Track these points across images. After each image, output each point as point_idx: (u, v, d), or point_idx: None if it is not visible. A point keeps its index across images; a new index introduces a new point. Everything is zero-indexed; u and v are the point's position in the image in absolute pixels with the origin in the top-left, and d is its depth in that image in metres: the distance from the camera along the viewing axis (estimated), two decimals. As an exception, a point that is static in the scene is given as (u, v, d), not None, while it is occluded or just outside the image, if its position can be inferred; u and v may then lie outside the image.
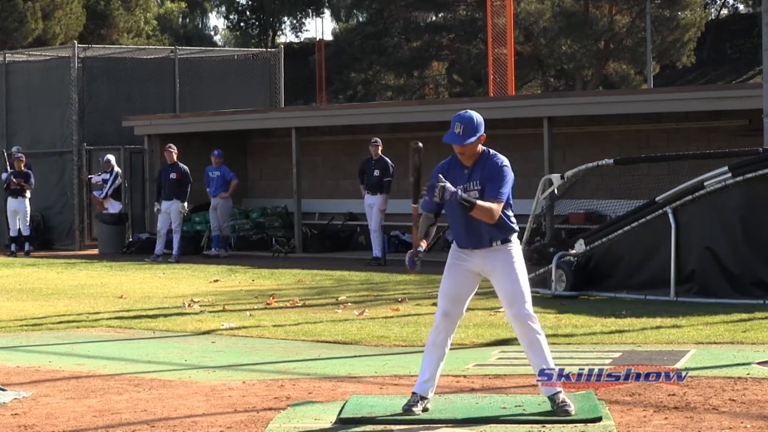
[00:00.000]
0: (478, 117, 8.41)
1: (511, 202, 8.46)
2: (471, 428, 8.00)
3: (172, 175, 24.59)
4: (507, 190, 8.37)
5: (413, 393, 8.45)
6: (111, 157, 27.80)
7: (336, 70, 60.33)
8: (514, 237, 8.45)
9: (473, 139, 8.35)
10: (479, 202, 8.27)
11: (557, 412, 8.17)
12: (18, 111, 29.95)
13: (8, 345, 12.86)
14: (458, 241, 8.50)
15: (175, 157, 24.77)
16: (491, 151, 8.48)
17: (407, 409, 8.35)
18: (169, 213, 24.60)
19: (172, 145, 25.31)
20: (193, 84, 30.18)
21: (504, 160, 8.43)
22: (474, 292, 8.60)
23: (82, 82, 28.99)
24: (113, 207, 27.79)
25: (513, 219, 8.45)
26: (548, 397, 8.29)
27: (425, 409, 8.39)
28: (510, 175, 8.40)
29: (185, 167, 24.66)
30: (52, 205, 29.15)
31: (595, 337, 12.42)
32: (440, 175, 8.36)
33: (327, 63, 58.49)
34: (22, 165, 27.02)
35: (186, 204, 24.84)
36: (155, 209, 25.14)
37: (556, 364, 8.45)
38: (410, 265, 8.47)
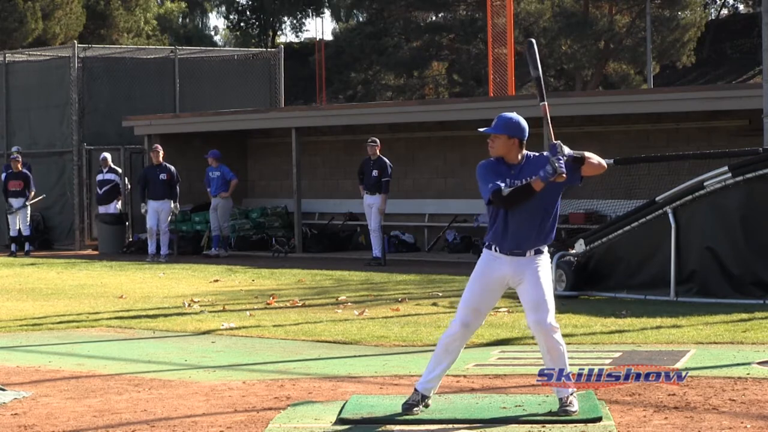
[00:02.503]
0: (519, 121, 8.45)
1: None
2: (471, 428, 8.00)
3: (162, 176, 24.63)
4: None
5: (415, 390, 8.42)
6: (107, 155, 27.80)
7: (336, 70, 60.34)
8: (546, 249, 8.43)
9: (500, 132, 8.34)
10: (586, 153, 8.38)
11: (558, 412, 8.16)
12: (18, 111, 29.97)
13: (8, 345, 12.86)
14: (499, 244, 8.34)
15: (161, 157, 24.84)
16: (535, 153, 8.48)
17: (407, 408, 8.33)
18: (159, 212, 24.63)
19: (158, 145, 25.50)
20: (193, 84, 30.18)
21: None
22: (495, 305, 8.61)
23: (82, 82, 28.99)
24: (110, 207, 27.81)
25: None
26: (559, 399, 8.26)
27: (426, 405, 8.38)
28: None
29: (172, 167, 24.72)
30: (52, 205, 29.14)
31: (595, 337, 12.42)
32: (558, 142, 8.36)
33: (327, 63, 58.51)
34: (19, 165, 27.00)
35: (178, 204, 24.92)
36: (143, 210, 25.13)
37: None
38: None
